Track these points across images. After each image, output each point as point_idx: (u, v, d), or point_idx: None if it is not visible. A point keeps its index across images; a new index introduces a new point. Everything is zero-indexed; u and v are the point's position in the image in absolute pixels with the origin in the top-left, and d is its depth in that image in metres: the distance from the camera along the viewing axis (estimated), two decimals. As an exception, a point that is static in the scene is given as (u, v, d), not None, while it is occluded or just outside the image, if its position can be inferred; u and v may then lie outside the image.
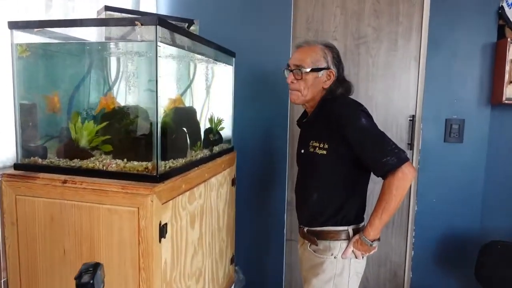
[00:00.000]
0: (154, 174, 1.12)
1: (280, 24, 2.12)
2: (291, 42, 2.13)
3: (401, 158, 1.23)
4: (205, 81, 1.64)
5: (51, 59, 1.28)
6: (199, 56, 1.60)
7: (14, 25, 1.20)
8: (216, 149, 1.64)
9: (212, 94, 1.71)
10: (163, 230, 1.14)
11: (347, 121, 1.29)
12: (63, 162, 1.21)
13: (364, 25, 2.12)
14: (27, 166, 1.23)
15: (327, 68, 1.40)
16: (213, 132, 1.64)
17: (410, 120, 2.14)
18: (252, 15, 2.15)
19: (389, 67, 2.13)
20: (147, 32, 1.22)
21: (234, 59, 1.82)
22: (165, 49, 1.29)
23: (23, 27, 1.20)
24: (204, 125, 1.62)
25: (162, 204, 1.14)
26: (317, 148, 1.35)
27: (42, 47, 1.26)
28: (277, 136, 2.17)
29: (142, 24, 1.08)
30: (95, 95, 1.39)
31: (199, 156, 1.45)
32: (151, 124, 1.16)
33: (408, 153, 2.15)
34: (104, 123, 1.24)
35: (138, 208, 1.09)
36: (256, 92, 2.15)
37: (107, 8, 1.56)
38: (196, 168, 1.37)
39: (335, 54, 1.42)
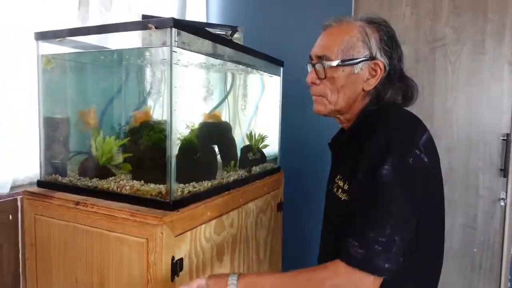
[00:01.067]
0: (167, 201, 0.96)
1: (338, 28, 1.88)
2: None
3: (373, 263, 0.69)
4: (246, 93, 1.47)
5: (80, 71, 1.21)
6: (239, 66, 1.44)
7: (41, 36, 1.15)
8: (257, 169, 1.44)
9: (255, 107, 1.53)
10: (176, 267, 0.97)
11: (371, 159, 0.75)
12: (81, 181, 1.12)
13: (441, 25, 1.78)
14: (48, 184, 1.16)
15: (371, 59, 0.84)
16: (253, 150, 1.45)
17: (503, 139, 1.72)
18: (306, 20, 1.94)
19: (473, 74, 1.75)
20: (181, 38, 1.09)
21: (282, 68, 1.62)
22: (192, 57, 1.15)
23: (49, 37, 1.14)
24: (242, 142, 1.44)
25: (176, 236, 0.97)
26: (340, 190, 0.85)
27: (69, 58, 1.19)
28: (334, 155, 1.90)
29: (156, 27, 0.94)
30: (130, 108, 1.29)
31: (232, 178, 1.26)
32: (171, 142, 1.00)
33: (502, 181, 1.73)
34: (125, 140, 1.12)
35: (147, 239, 0.94)
36: (309, 105, 1.91)
37: (145, 17, 1.48)
38: (226, 192, 1.19)
39: (383, 34, 0.86)
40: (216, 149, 1.27)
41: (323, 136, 1.88)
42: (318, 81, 0.89)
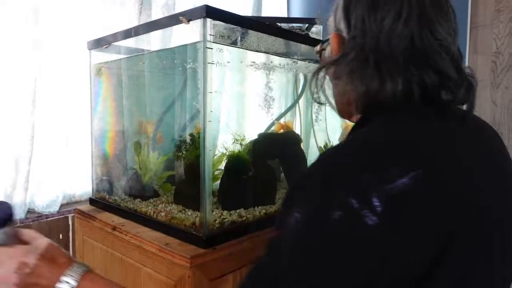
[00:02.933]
0: (200, 235, 0.76)
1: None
2: (468, 31, 1.44)
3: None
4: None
5: (126, 78, 1.10)
6: (312, 64, 1.19)
7: (94, 45, 1.08)
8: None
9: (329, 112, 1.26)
10: (212, 320, 0.76)
11: (288, 192, 0.45)
12: (124, 202, 1.00)
13: None
14: (96, 202, 1.08)
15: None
16: (330, 166, 1.17)
17: None
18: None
19: None
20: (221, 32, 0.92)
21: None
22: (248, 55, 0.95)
23: (101, 45, 1.06)
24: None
25: (212, 280, 0.76)
26: None
27: (116, 66, 1.09)
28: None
29: (189, 21, 0.76)
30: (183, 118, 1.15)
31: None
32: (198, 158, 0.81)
33: None
34: (166, 156, 0.97)
35: (176, 282, 0.76)
36: None
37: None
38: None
39: None
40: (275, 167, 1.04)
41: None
42: None
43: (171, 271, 0.76)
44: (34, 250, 0.51)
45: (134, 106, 1.01)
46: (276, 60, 1.11)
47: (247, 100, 1.10)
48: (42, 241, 0.52)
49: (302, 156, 1.11)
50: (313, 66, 1.22)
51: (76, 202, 1.17)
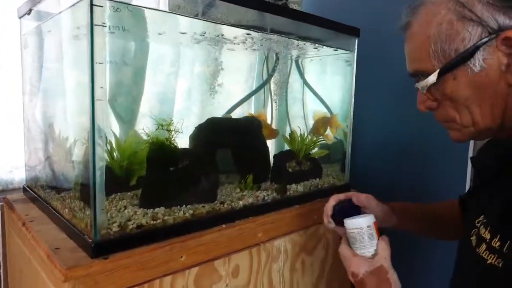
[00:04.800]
0: (89, 241, 0.62)
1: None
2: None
3: None
4: (287, 78, 1.02)
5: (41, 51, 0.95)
6: (283, 39, 1.00)
7: (25, 11, 0.95)
8: (298, 188, 0.98)
9: (309, 97, 1.07)
10: None
11: None
12: (46, 192, 0.87)
13: None
14: (26, 191, 0.96)
15: (491, 34, 0.49)
16: (297, 158, 0.99)
17: None
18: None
19: None
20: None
21: (357, 40, 1.10)
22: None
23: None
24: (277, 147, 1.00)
25: (104, 295, 0.62)
26: (484, 246, 0.52)
27: (33, 35, 0.94)
28: (443, 167, 1.25)
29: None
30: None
31: (241, 201, 0.84)
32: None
33: None
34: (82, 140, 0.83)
35: (60, 296, 0.62)
36: (399, 92, 1.30)
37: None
38: (224, 225, 0.78)
39: None
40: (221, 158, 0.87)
41: (427, 136, 1.25)
42: (434, 104, 0.60)
43: (56, 283, 0.62)
44: (368, 265, 0.64)
45: (47, 83, 0.87)
46: (239, 34, 0.93)
47: (196, 82, 0.94)
48: (380, 257, 0.65)
49: (261, 146, 0.94)
50: (288, 42, 1.04)
51: (14, 190, 1.05)
